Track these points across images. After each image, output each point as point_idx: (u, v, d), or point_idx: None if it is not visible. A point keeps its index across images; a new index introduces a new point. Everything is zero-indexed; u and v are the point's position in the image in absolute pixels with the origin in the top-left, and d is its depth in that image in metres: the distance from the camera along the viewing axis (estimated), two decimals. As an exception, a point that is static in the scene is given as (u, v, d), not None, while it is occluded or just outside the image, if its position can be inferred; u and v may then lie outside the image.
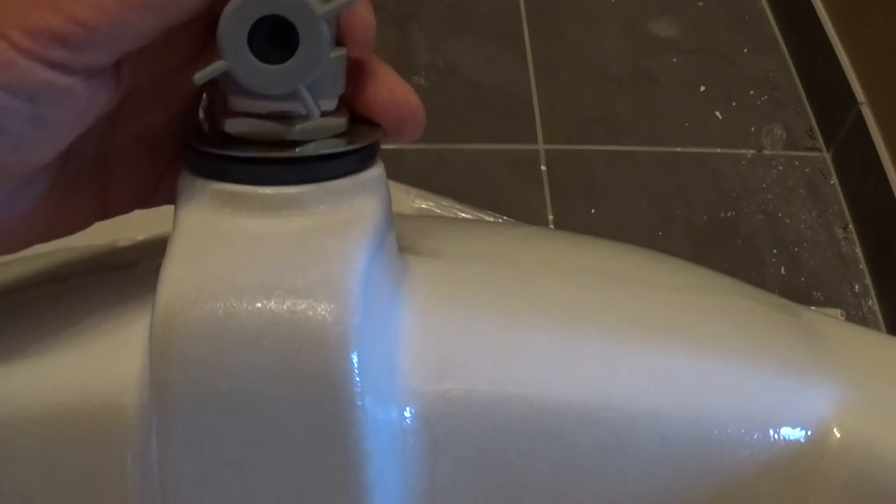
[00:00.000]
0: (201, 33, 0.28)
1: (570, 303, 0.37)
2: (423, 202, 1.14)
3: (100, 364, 0.29)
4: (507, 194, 1.17)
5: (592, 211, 1.16)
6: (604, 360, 0.35)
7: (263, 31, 0.27)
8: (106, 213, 0.30)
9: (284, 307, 0.26)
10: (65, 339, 0.30)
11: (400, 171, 1.15)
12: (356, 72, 0.29)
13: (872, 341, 0.45)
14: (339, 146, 0.30)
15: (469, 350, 0.32)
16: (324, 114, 0.30)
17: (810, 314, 0.48)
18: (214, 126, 0.30)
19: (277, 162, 0.29)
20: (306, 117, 0.29)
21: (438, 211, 1.14)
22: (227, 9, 0.27)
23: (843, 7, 1.32)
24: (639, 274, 0.44)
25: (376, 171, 0.31)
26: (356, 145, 0.30)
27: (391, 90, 0.30)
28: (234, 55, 0.27)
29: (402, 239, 0.37)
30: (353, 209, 0.29)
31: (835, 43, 1.32)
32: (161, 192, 0.30)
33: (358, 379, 0.27)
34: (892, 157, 1.17)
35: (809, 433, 0.34)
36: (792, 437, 0.34)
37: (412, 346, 0.31)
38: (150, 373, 0.26)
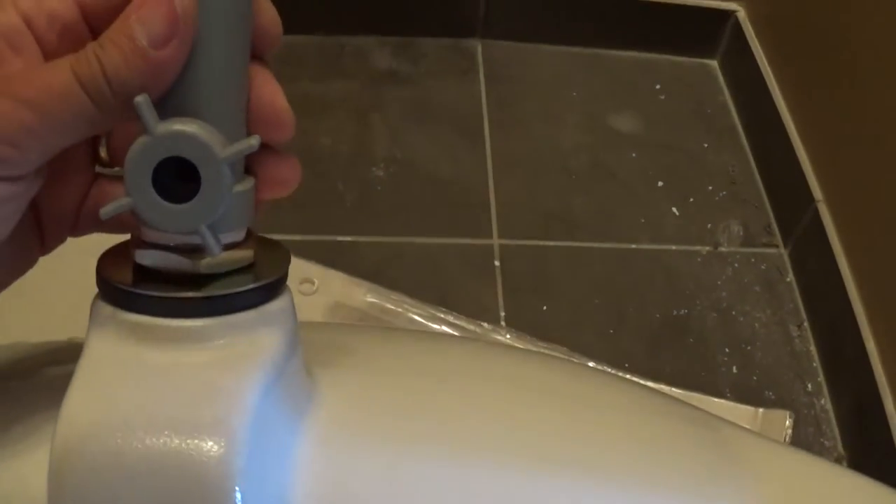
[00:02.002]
0: None
1: (477, 430, 0.39)
2: (374, 297, 1.19)
3: (12, 479, 0.33)
4: (459, 290, 1.21)
5: (545, 308, 1.21)
6: (497, 497, 0.37)
7: (171, 166, 0.29)
8: (43, 250, 0.34)
9: (172, 446, 0.28)
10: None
11: (355, 264, 1.20)
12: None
13: (791, 460, 0.48)
14: (244, 283, 0.32)
15: (364, 486, 0.35)
16: (230, 246, 0.32)
17: (730, 430, 0.52)
18: (129, 250, 0.32)
19: (181, 300, 0.31)
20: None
21: (390, 306, 1.18)
22: (133, 149, 0.29)
23: (803, 102, 1.38)
24: (559, 391, 0.47)
25: (281, 303, 0.33)
26: (260, 283, 0.32)
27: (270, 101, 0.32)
28: (138, 193, 0.29)
29: (318, 353, 0.40)
30: (253, 343, 0.31)
31: (794, 140, 1.38)
32: (85, 220, 0.34)
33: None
34: (847, 255, 1.22)
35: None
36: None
37: (307, 480, 0.34)
38: (48, 501, 0.29)
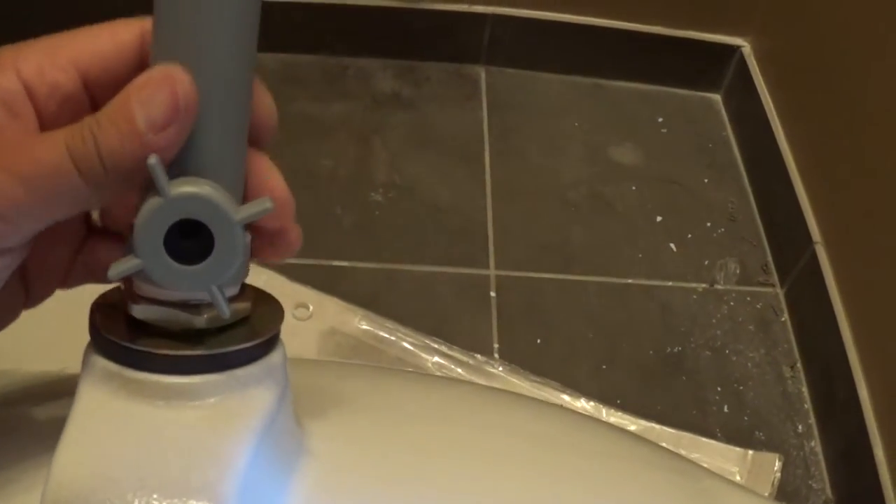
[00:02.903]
0: None
1: (466, 488, 0.41)
2: (368, 324, 1.21)
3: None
4: (453, 319, 1.23)
5: (538, 341, 1.23)
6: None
7: (177, 230, 0.29)
8: (28, 304, 0.34)
9: None
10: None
11: (352, 289, 1.22)
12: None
13: None
14: (240, 337, 0.32)
15: None
16: (230, 299, 0.32)
17: (711, 481, 0.54)
18: (124, 302, 0.32)
19: (180, 358, 0.31)
20: (211, 305, 0.31)
21: (383, 334, 1.20)
22: (145, 210, 0.28)
23: (805, 141, 1.40)
24: (547, 440, 0.48)
25: (275, 357, 0.33)
26: (259, 339, 0.32)
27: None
28: (149, 255, 0.29)
29: (308, 401, 0.41)
30: (246, 401, 0.32)
31: (795, 180, 1.39)
32: (75, 274, 0.35)
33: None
34: (843, 298, 1.24)
35: None
36: None
37: None
38: None
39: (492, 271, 1.30)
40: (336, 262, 1.28)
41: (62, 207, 0.29)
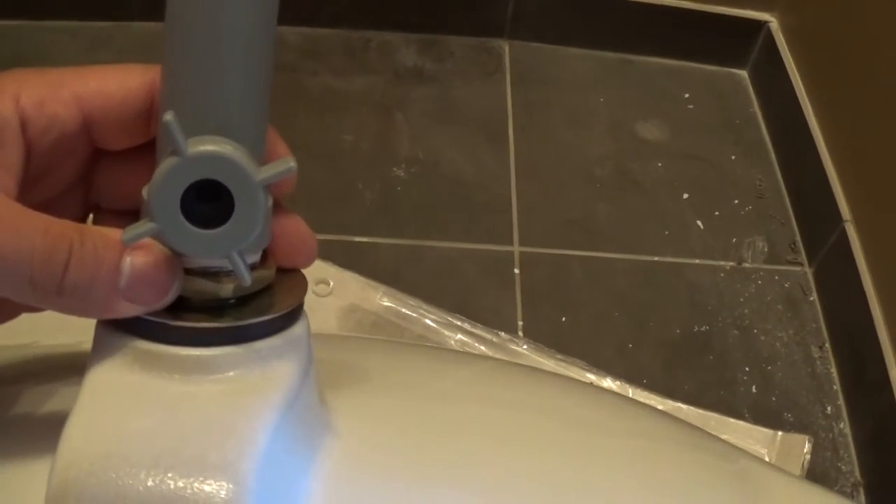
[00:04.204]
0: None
1: (493, 469, 0.39)
2: (390, 301, 1.19)
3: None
4: (477, 296, 1.22)
5: (563, 319, 1.21)
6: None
7: (195, 192, 0.27)
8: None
9: (176, 488, 0.27)
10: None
11: (374, 265, 1.21)
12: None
13: (808, 495, 0.49)
14: (262, 308, 0.30)
15: None
16: (251, 267, 0.30)
17: (747, 461, 0.52)
18: None
19: (196, 330, 0.29)
20: (233, 273, 0.29)
21: (405, 311, 1.18)
22: (159, 172, 0.27)
23: (834, 118, 1.38)
24: (576, 419, 0.47)
25: (297, 330, 0.32)
26: (281, 311, 0.30)
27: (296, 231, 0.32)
28: (165, 220, 0.27)
29: (331, 375, 0.40)
30: (267, 375, 0.30)
31: (824, 157, 1.38)
32: None
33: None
34: (873, 277, 1.22)
35: None
36: None
37: None
38: None
39: (516, 248, 1.29)
40: (357, 238, 1.27)
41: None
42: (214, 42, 0.27)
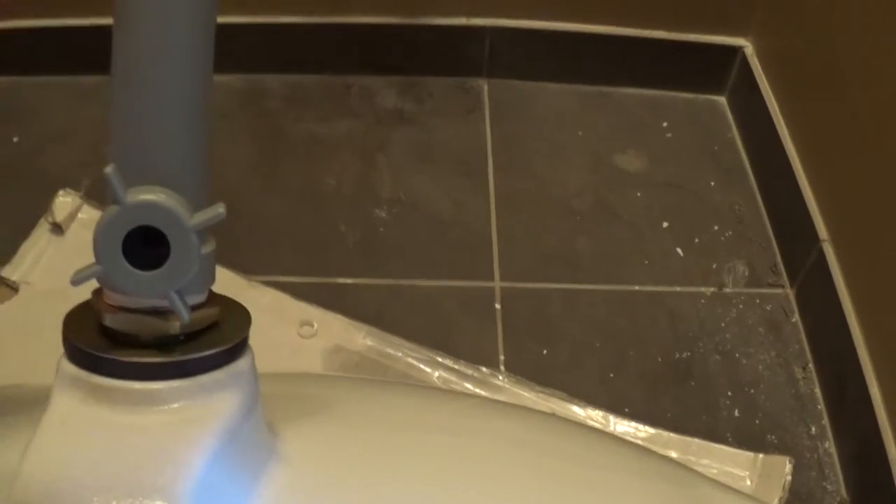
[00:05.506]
0: None
1: (434, 488, 0.41)
2: (373, 341, 1.21)
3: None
4: (459, 332, 1.23)
5: (545, 352, 1.23)
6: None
7: (139, 235, 0.31)
8: None
9: None
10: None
11: (357, 306, 1.23)
12: None
13: None
14: (207, 344, 0.34)
15: None
16: (196, 307, 0.34)
17: (706, 488, 0.53)
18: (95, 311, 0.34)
19: (143, 364, 0.34)
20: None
21: (388, 350, 1.20)
22: (104, 217, 0.30)
23: (810, 140, 1.40)
24: (533, 446, 0.48)
25: (242, 364, 0.35)
26: (225, 346, 0.34)
27: None
28: (108, 261, 0.31)
29: (286, 407, 0.42)
30: (208, 407, 0.33)
31: (800, 177, 1.39)
32: None
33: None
34: (851, 295, 1.23)
35: None
36: None
37: None
38: None
39: (496, 283, 1.31)
40: (340, 280, 1.29)
41: None
42: (152, 103, 0.30)
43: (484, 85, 1.64)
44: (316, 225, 1.37)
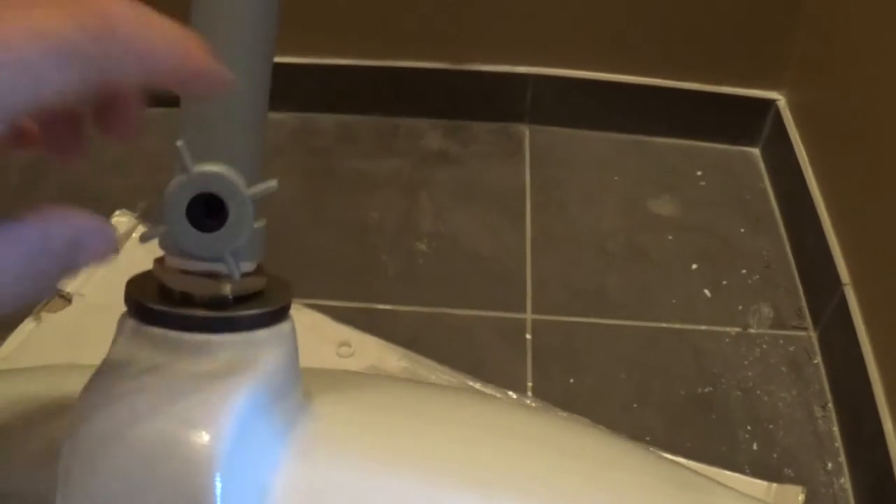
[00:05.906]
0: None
1: (452, 462, 0.46)
2: (407, 362, 1.27)
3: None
4: (489, 360, 1.29)
5: (571, 380, 1.28)
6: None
7: (201, 206, 0.36)
8: None
9: (167, 432, 0.35)
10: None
11: (394, 331, 1.29)
12: None
13: None
14: (256, 306, 0.38)
15: (337, 495, 0.41)
16: (245, 275, 0.39)
17: (719, 496, 0.57)
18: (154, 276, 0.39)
19: (196, 318, 0.37)
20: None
21: (422, 371, 1.26)
22: (171, 184, 0.35)
23: (836, 189, 1.44)
24: (534, 437, 0.53)
25: (284, 328, 0.40)
26: (265, 308, 0.39)
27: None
28: (174, 222, 0.36)
29: (326, 385, 0.47)
30: (253, 360, 0.38)
31: (825, 223, 1.44)
32: None
33: (219, 500, 0.35)
34: (871, 337, 1.27)
35: None
36: None
37: (286, 483, 0.41)
38: (60, 466, 0.36)
39: (528, 315, 1.36)
40: (379, 306, 1.36)
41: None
42: (220, 93, 0.35)
43: (525, 130, 1.71)
44: (358, 254, 1.44)
